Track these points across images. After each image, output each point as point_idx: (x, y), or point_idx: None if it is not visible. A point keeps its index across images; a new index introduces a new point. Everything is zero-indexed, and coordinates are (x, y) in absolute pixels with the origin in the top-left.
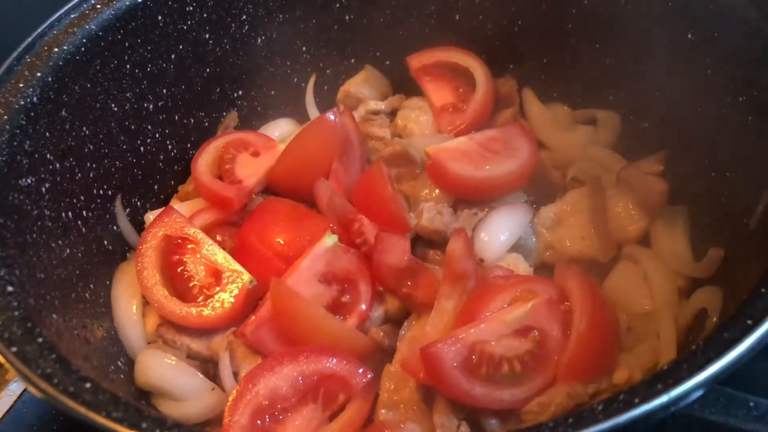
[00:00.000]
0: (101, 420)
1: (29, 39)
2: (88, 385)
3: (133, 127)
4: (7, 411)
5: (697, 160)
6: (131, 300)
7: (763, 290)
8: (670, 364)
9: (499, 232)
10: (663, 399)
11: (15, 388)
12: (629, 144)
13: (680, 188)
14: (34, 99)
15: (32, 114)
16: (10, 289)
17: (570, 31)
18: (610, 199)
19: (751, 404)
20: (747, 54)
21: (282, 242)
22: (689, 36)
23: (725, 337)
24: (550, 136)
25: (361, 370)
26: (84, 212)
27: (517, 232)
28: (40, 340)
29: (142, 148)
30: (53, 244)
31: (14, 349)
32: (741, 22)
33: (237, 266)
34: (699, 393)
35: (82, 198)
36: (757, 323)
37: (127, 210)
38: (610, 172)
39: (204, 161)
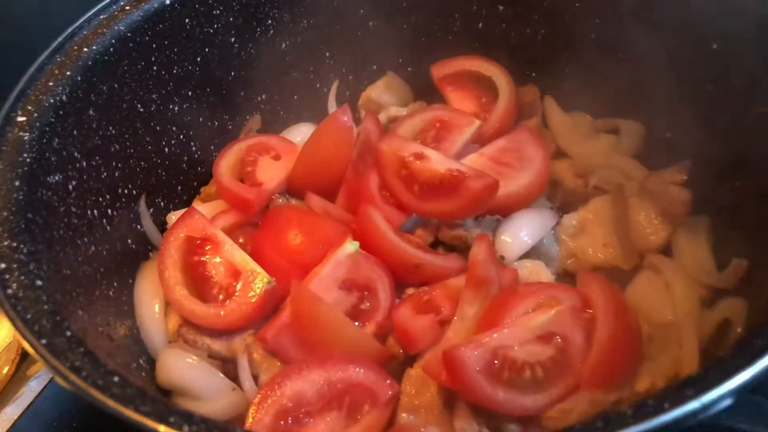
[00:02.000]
0: (130, 413)
1: (59, 39)
2: (116, 378)
3: (158, 128)
4: (28, 407)
5: (721, 170)
6: (153, 299)
7: None
8: (700, 370)
9: (522, 232)
10: (694, 405)
11: (35, 385)
12: (652, 154)
13: (703, 198)
14: (64, 97)
15: (61, 112)
16: (39, 283)
17: (593, 40)
18: (632, 207)
19: None
20: None
21: (296, 250)
22: (714, 46)
23: (756, 344)
24: (571, 144)
25: (388, 382)
26: (109, 211)
27: (540, 234)
28: (68, 333)
29: (166, 149)
30: (79, 242)
31: (44, 341)
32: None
33: (256, 267)
34: (729, 401)
35: (108, 197)
36: None
37: (151, 210)
38: (632, 181)
39: (226, 163)
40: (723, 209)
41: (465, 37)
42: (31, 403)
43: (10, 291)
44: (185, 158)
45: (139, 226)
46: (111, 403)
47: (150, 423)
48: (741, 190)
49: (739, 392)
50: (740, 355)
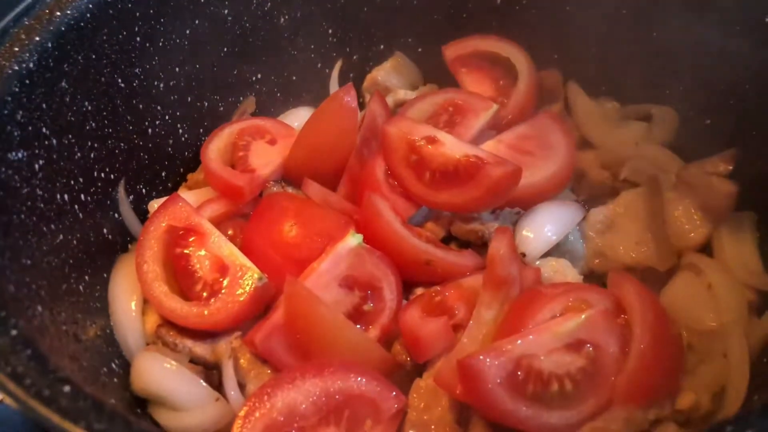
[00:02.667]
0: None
1: (27, 1)
2: (66, 388)
3: (140, 106)
4: None
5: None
6: (131, 296)
7: None
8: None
9: (545, 226)
10: None
11: None
12: (689, 143)
13: (749, 192)
14: (31, 65)
15: (27, 81)
16: None
17: (623, 17)
18: (669, 201)
19: None
20: None
21: (292, 243)
22: (766, 20)
23: None
24: (598, 133)
25: (393, 394)
26: (82, 196)
27: (565, 229)
28: (14, 332)
29: (149, 131)
30: (44, 228)
31: None
32: None
33: (246, 262)
34: None
35: (81, 180)
36: None
37: (131, 197)
38: (668, 173)
39: (215, 147)
40: None
41: (481, 14)
42: None
43: None
44: (170, 141)
45: (116, 215)
46: (56, 419)
47: None
48: None
49: None
50: None
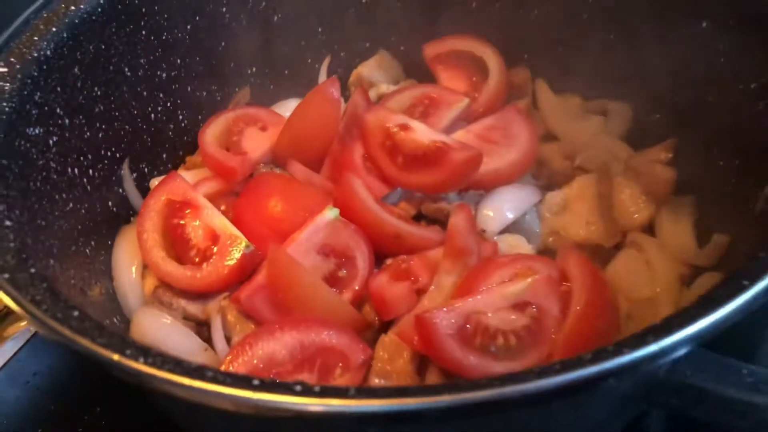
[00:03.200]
0: (86, 343)
1: None
2: (75, 313)
3: (145, 93)
4: (2, 368)
5: (707, 148)
6: (131, 261)
7: (761, 254)
8: (662, 319)
9: (504, 206)
10: (652, 348)
11: (11, 345)
12: (641, 135)
13: (689, 179)
14: (48, 52)
15: (45, 67)
16: (7, 223)
17: (585, 21)
18: (617, 186)
19: (744, 371)
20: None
21: (277, 217)
22: (703, 25)
23: (718, 294)
24: (561, 126)
25: (361, 347)
26: (90, 171)
27: (522, 208)
28: (32, 270)
29: (152, 116)
30: (57, 197)
31: (6, 275)
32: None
33: (235, 231)
34: (687, 348)
35: (90, 157)
36: (752, 283)
37: (134, 175)
38: (618, 161)
39: (212, 132)
40: (706, 187)
41: (459, 16)
42: (5, 363)
43: None
44: (171, 126)
45: (121, 190)
46: (67, 333)
47: (105, 353)
48: (724, 168)
49: (696, 339)
50: (701, 306)
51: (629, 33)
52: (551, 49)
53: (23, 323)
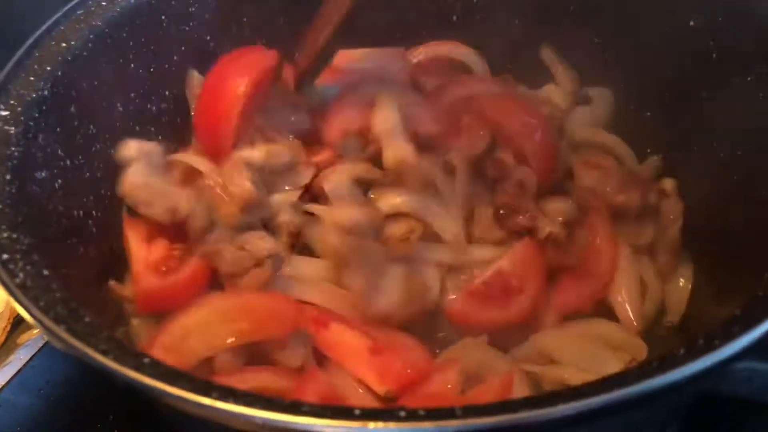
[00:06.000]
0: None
1: (36, 34)
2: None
3: (137, 128)
4: (15, 375)
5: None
6: None
7: None
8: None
9: None
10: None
11: (24, 353)
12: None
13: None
14: (45, 92)
15: (44, 108)
16: (45, 272)
17: (566, 28)
18: None
19: None
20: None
21: None
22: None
23: None
24: None
25: None
26: (93, 212)
27: None
28: (86, 320)
29: None
30: (68, 242)
31: (63, 327)
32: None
33: None
34: None
35: (91, 198)
36: None
37: None
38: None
39: None
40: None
41: (440, 29)
42: (18, 371)
43: (18, 280)
44: None
45: None
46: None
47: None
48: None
49: None
50: None
51: (613, 35)
52: (534, 57)
53: (36, 330)
